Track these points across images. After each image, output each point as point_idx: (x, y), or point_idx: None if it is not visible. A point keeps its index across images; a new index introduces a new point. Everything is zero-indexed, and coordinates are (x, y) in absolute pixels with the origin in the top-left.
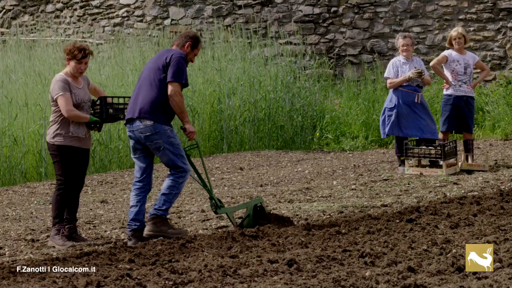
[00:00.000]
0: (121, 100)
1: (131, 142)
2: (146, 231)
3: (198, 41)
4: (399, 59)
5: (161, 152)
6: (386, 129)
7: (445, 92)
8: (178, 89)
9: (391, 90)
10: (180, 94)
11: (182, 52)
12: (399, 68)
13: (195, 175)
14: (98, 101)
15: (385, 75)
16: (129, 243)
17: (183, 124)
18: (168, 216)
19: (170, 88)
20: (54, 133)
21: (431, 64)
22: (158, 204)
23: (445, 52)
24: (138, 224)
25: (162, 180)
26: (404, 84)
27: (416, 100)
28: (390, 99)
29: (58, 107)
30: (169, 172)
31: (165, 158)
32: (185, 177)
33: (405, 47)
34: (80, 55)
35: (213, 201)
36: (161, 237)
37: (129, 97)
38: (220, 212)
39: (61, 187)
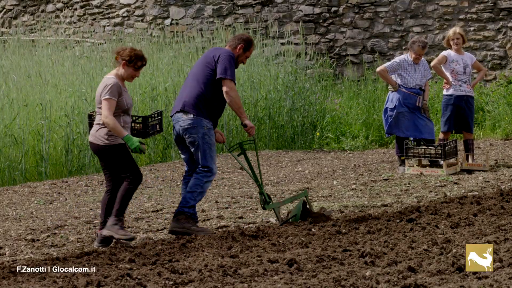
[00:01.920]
0: (151, 115)
1: (174, 137)
2: (171, 227)
3: (250, 44)
4: (406, 60)
5: (195, 147)
6: (386, 129)
7: (445, 92)
8: (232, 85)
9: (392, 92)
10: (235, 89)
11: (230, 51)
12: (404, 69)
13: (248, 169)
14: (140, 119)
15: (386, 64)
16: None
17: (242, 120)
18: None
19: (224, 85)
20: (107, 135)
21: (432, 64)
22: (183, 202)
23: (444, 52)
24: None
25: (162, 180)
26: (406, 86)
27: (417, 104)
28: (391, 99)
29: None
30: (197, 169)
31: (197, 154)
32: (211, 178)
33: (418, 56)
34: (140, 63)
35: (262, 197)
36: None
37: (160, 111)
38: (268, 207)
39: (133, 182)
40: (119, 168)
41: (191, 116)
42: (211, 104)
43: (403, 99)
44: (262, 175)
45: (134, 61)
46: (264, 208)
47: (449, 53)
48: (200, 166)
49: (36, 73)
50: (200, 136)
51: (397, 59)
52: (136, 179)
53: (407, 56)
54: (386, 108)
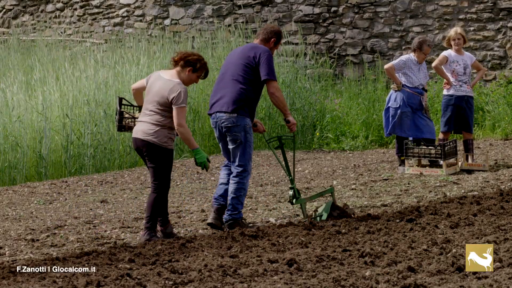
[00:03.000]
0: None
1: (215, 132)
2: None
3: (281, 37)
4: (411, 59)
5: (236, 145)
6: (389, 129)
7: (446, 92)
8: (277, 85)
9: (395, 91)
10: (280, 89)
11: (268, 49)
12: (409, 68)
13: (283, 163)
14: None
15: (394, 62)
16: (210, 217)
17: (285, 116)
18: (242, 217)
19: (269, 86)
20: (166, 137)
21: (433, 65)
22: (231, 210)
23: (445, 53)
24: (224, 202)
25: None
26: (411, 86)
27: (423, 103)
28: (395, 99)
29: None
30: (233, 173)
31: (235, 151)
32: (248, 177)
33: (425, 56)
34: (206, 74)
35: (292, 192)
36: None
37: None
38: (296, 203)
39: (161, 190)
40: (156, 171)
41: (234, 115)
42: (253, 103)
43: (407, 98)
44: (295, 171)
45: (201, 72)
46: (292, 203)
47: (449, 53)
48: (236, 165)
49: (37, 73)
50: (243, 135)
51: (403, 57)
52: (164, 188)
53: (411, 55)
54: (388, 107)
